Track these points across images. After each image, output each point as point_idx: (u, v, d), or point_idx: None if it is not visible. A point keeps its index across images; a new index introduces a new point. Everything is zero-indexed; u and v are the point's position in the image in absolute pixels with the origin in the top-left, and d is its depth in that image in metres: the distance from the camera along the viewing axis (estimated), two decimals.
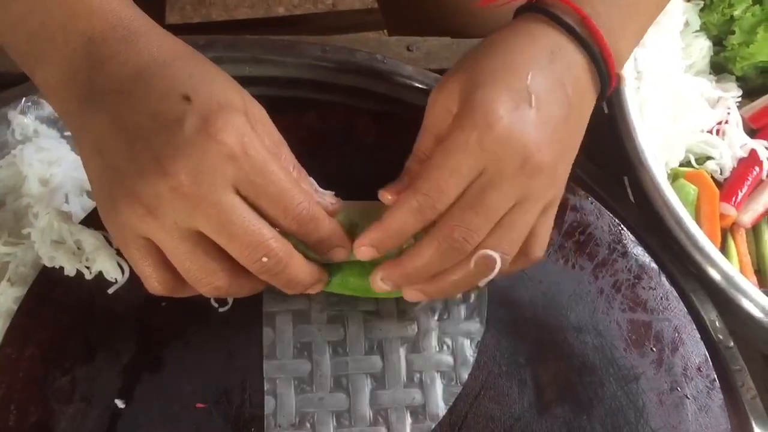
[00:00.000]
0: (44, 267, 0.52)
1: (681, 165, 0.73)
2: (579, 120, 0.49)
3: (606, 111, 0.74)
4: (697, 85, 0.75)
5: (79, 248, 0.52)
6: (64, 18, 0.43)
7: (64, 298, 0.51)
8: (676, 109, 0.74)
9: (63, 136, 0.61)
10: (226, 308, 0.52)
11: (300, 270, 0.45)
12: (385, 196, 0.47)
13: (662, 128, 0.72)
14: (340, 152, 0.61)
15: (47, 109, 0.61)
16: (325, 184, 0.52)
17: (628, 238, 0.61)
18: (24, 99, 0.59)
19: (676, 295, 0.59)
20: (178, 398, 0.50)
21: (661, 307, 0.58)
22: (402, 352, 0.53)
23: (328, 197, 0.48)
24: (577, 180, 0.64)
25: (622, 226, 0.61)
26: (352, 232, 0.48)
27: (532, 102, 0.45)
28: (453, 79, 0.47)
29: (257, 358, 0.52)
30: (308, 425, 0.50)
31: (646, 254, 0.60)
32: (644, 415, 0.54)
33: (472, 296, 0.56)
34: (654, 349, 0.56)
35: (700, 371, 0.56)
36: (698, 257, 0.61)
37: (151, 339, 0.51)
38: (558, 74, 0.46)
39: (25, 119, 0.59)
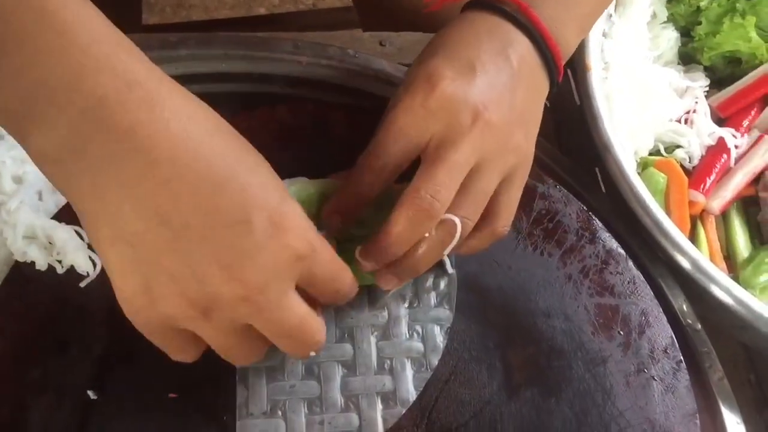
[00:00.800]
0: (16, 262, 0.52)
1: (650, 154, 0.74)
2: (529, 93, 0.49)
3: (578, 102, 0.75)
4: (665, 75, 0.77)
5: (50, 243, 0.52)
6: (68, 73, 0.35)
7: (36, 293, 0.52)
8: (644, 99, 0.75)
9: None
10: None
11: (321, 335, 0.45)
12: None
13: (630, 118, 0.74)
14: (312, 146, 0.62)
15: None
16: (298, 174, 0.54)
17: (597, 225, 0.62)
18: None
19: (644, 279, 0.60)
20: (150, 389, 0.50)
21: (628, 292, 0.59)
22: (373, 339, 0.54)
23: None
24: (547, 170, 0.65)
25: (590, 213, 0.62)
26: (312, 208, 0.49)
27: (476, 67, 0.47)
28: (407, 71, 0.50)
29: None
30: (280, 413, 0.51)
31: (614, 240, 0.61)
32: (611, 397, 0.55)
33: (442, 283, 0.56)
34: (621, 332, 0.57)
35: (667, 353, 0.57)
36: (666, 244, 0.62)
37: (123, 331, 0.51)
38: (501, 47, 0.48)
39: None
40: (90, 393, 0.49)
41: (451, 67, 0.46)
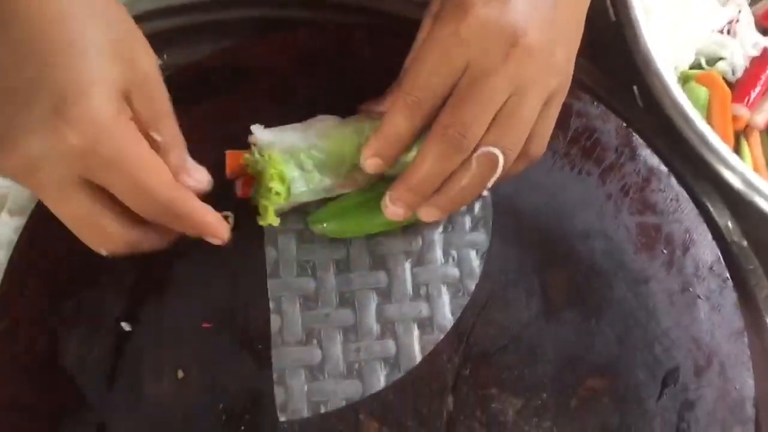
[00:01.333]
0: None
1: (691, 68, 0.71)
2: (571, 4, 0.46)
3: (613, 18, 0.72)
4: None
5: None
6: None
7: (63, 227, 0.51)
8: (684, 10, 0.71)
9: None
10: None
11: (202, 216, 0.43)
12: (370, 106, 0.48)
13: (670, 30, 0.70)
14: (336, 71, 0.59)
15: None
16: (321, 102, 0.52)
17: (637, 141, 0.59)
18: None
19: (687, 196, 0.58)
20: (184, 319, 0.50)
21: (671, 209, 0.57)
22: (407, 266, 0.53)
23: (199, 173, 0.45)
24: (582, 86, 0.62)
25: (629, 129, 0.59)
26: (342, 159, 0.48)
27: None
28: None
29: (261, 278, 0.51)
30: (315, 341, 0.50)
31: (655, 157, 0.59)
32: (655, 316, 0.53)
33: (476, 207, 0.55)
34: (665, 251, 0.55)
35: (712, 271, 0.55)
36: (712, 159, 0.59)
37: (153, 261, 0.51)
38: None
39: None
40: (123, 324, 0.49)
41: None
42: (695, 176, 0.60)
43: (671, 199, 0.57)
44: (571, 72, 0.48)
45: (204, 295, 0.50)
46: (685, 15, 0.71)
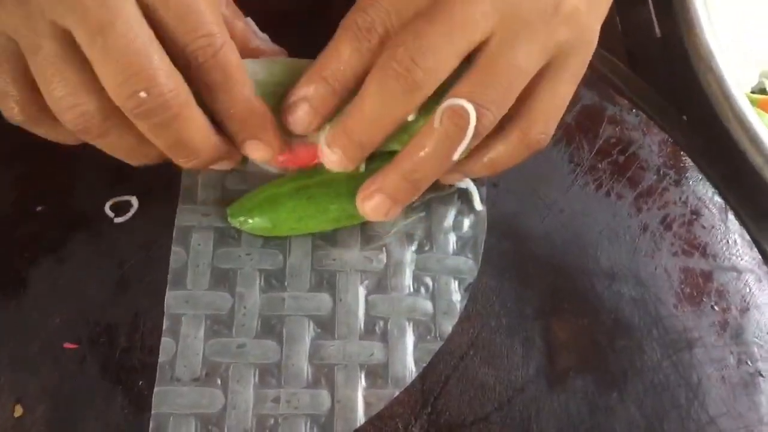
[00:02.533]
0: None
1: (753, 92, 0.58)
2: None
3: (658, 34, 0.60)
4: None
5: None
6: None
7: None
8: (747, 29, 0.59)
9: None
10: (124, 218, 0.38)
11: (196, 128, 0.31)
12: None
13: (731, 49, 0.57)
14: (310, 36, 0.46)
15: None
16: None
17: (687, 162, 0.45)
18: None
19: (749, 239, 0.43)
20: (40, 334, 0.35)
21: (727, 253, 0.42)
22: (361, 290, 0.38)
23: (268, 43, 0.36)
24: (618, 91, 0.48)
25: (677, 147, 0.45)
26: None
27: None
28: None
29: (160, 288, 0.37)
30: (218, 381, 0.35)
31: (709, 184, 0.44)
32: (699, 396, 0.38)
33: (466, 223, 0.41)
34: (716, 307, 0.41)
35: None
36: None
37: (13, 253, 0.37)
38: None
39: None
40: None
41: None
42: (761, 214, 0.45)
43: (727, 241, 0.43)
44: (595, 33, 0.35)
45: (75, 302, 0.36)
46: (748, 34, 0.59)
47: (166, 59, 0.29)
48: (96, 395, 0.34)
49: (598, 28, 0.35)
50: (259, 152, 0.34)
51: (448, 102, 0.31)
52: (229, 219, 0.38)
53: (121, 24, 0.27)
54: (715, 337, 0.40)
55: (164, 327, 0.36)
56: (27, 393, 0.34)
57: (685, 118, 0.54)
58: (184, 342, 0.36)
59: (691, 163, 0.45)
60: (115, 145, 0.32)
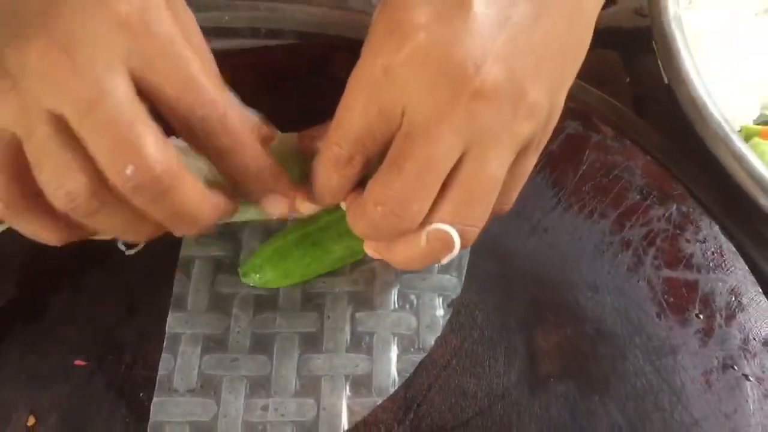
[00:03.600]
0: None
1: (756, 124, 0.59)
2: (562, 18, 0.33)
3: (666, 81, 0.62)
4: None
5: None
6: None
7: None
8: (748, 63, 0.60)
9: None
10: (134, 251, 0.42)
11: (190, 197, 0.31)
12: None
13: (731, 85, 0.59)
14: (309, 91, 0.51)
15: None
16: (292, 120, 0.42)
17: (669, 182, 0.47)
18: None
19: (734, 250, 0.44)
20: (53, 352, 0.39)
21: (712, 264, 0.43)
22: (348, 308, 0.41)
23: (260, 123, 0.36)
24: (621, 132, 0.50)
25: (663, 166, 0.47)
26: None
27: (470, 1, 0.31)
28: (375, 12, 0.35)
29: (164, 311, 0.41)
30: (212, 393, 0.38)
31: (695, 201, 0.46)
32: (683, 399, 0.38)
33: None
34: (700, 315, 0.41)
35: None
36: None
37: (35, 284, 0.41)
38: None
39: None
40: None
41: (428, 4, 0.31)
42: (749, 233, 0.46)
43: (713, 252, 0.44)
44: (558, 107, 0.35)
45: (86, 326, 0.40)
46: (748, 68, 0.60)
47: (156, 133, 0.29)
48: (102, 406, 0.38)
49: (562, 96, 0.35)
50: (278, 206, 0.35)
51: (434, 227, 0.32)
52: (242, 279, 0.41)
53: (110, 101, 0.28)
54: (699, 343, 0.40)
55: (164, 345, 0.39)
56: (40, 405, 0.38)
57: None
58: (182, 358, 0.39)
59: (675, 185, 0.46)
60: (107, 224, 0.32)
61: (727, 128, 0.48)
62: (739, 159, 0.46)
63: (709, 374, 0.39)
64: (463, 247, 0.33)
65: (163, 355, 0.39)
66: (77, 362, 0.39)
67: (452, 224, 0.32)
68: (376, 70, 0.31)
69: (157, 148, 0.29)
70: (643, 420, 0.38)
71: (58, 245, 0.33)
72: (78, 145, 0.29)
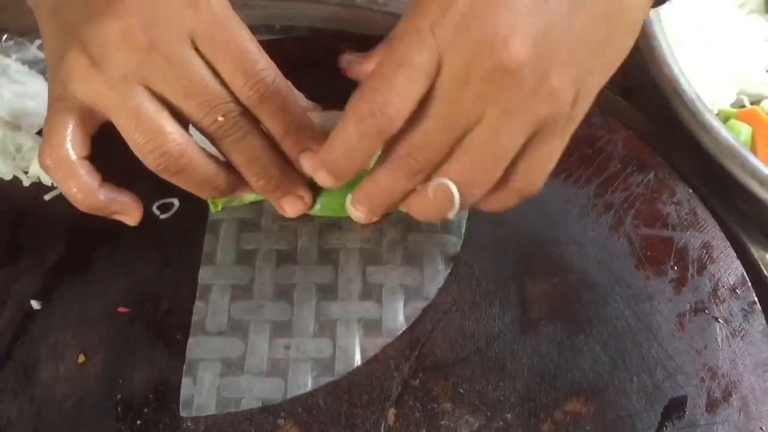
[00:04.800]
0: None
1: (733, 107, 0.64)
2: (602, 20, 0.35)
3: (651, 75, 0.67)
4: (751, 23, 0.66)
5: (18, 151, 0.48)
6: None
7: None
8: (724, 49, 0.65)
9: (46, 79, 0.60)
10: (168, 214, 0.47)
11: (264, 146, 0.39)
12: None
13: (709, 69, 0.64)
14: (323, 81, 0.56)
15: (30, 51, 0.59)
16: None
17: (647, 151, 0.51)
18: (5, 37, 0.58)
19: (706, 210, 0.49)
20: (99, 301, 0.44)
21: (686, 223, 0.48)
22: (359, 263, 0.46)
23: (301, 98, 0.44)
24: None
25: (641, 140, 0.52)
26: None
27: None
28: None
29: (195, 266, 0.46)
30: (239, 333, 0.43)
31: (669, 167, 0.51)
32: (659, 338, 0.43)
33: None
34: (675, 267, 0.46)
35: (736, 293, 0.45)
36: (733, 167, 0.50)
37: (82, 244, 0.46)
38: None
39: (5, 59, 0.58)
40: (33, 303, 0.44)
41: None
42: (720, 196, 0.51)
43: (687, 213, 0.49)
44: (582, 103, 0.37)
45: (128, 278, 0.45)
46: (724, 53, 0.65)
47: (229, 90, 0.38)
48: (142, 345, 0.43)
49: (589, 95, 0.37)
50: (310, 163, 0.40)
51: (439, 181, 0.37)
52: None
53: (192, 71, 0.37)
54: (673, 291, 0.45)
55: (197, 294, 0.44)
56: (88, 344, 0.43)
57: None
58: (213, 305, 0.44)
59: (653, 152, 0.51)
60: (189, 180, 0.39)
61: (700, 105, 0.53)
62: (711, 131, 0.51)
63: (683, 317, 0.44)
64: (462, 206, 0.38)
65: (197, 303, 0.44)
66: (120, 309, 0.44)
67: (456, 183, 0.36)
68: (422, 27, 0.34)
69: (235, 99, 0.38)
70: (623, 356, 0.43)
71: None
72: (163, 112, 0.37)
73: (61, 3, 0.38)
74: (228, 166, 0.40)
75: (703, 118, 0.52)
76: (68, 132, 0.38)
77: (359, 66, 0.48)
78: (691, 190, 0.49)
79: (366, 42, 0.56)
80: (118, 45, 0.35)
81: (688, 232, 0.48)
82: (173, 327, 0.43)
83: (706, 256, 0.47)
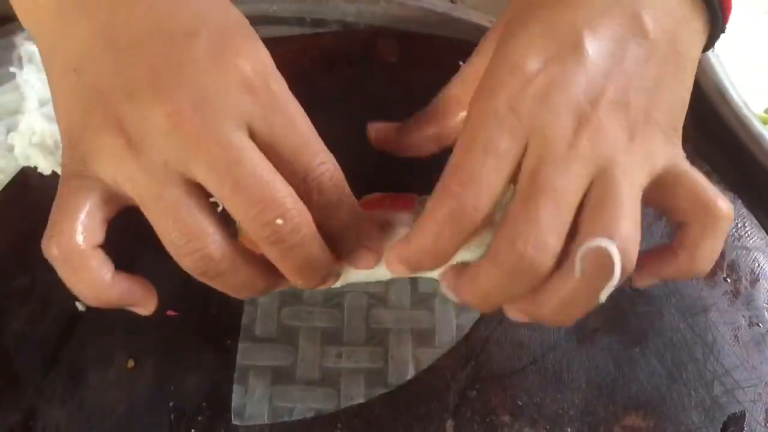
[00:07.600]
0: (22, 169, 0.48)
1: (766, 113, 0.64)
2: (670, 66, 0.34)
3: None
4: None
5: (58, 148, 0.47)
6: None
7: (37, 202, 0.46)
8: (756, 55, 0.65)
9: None
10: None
11: (319, 249, 0.33)
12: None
13: (745, 74, 0.64)
14: (359, 74, 0.55)
15: None
16: (341, 103, 0.47)
17: (696, 163, 0.51)
18: None
19: (756, 222, 0.48)
20: None
21: (737, 235, 0.48)
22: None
23: None
24: None
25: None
26: None
27: (582, 41, 0.32)
28: (499, 21, 0.37)
29: None
30: (290, 340, 0.42)
31: (719, 180, 0.50)
32: (714, 352, 0.43)
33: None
34: (728, 279, 0.46)
35: None
36: None
37: (127, 244, 0.45)
38: (628, 1, 0.33)
39: (32, 46, 0.57)
40: (78, 304, 0.43)
41: (544, 47, 0.32)
42: (757, 198, 0.50)
43: (737, 224, 0.48)
44: (676, 142, 0.35)
45: (176, 281, 0.44)
46: (758, 62, 0.65)
47: (288, 186, 0.31)
48: (191, 350, 0.42)
49: (674, 134, 0.35)
50: (366, 260, 0.35)
51: (589, 245, 0.30)
52: None
53: (247, 161, 0.30)
54: (727, 303, 0.45)
55: (246, 299, 0.43)
56: (138, 350, 0.42)
57: None
58: (263, 309, 0.43)
59: (700, 165, 0.51)
60: (228, 284, 0.33)
61: (748, 113, 0.52)
62: (758, 139, 0.51)
63: (737, 330, 0.44)
64: (625, 269, 0.31)
65: (246, 307, 0.43)
66: (169, 313, 0.43)
67: (607, 239, 0.30)
68: (500, 106, 0.31)
69: (294, 201, 0.31)
70: (680, 369, 0.42)
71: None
72: (205, 210, 0.31)
73: (86, 63, 0.32)
74: (269, 264, 0.33)
75: (752, 126, 0.52)
76: (82, 216, 0.32)
77: (389, 136, 0.42)
78: (740, 201, 0.49)
79: (404, 39, 0.55)
80: (164, 129, 0.30)
81: (739, 243, 0.47)
82: (223, 332, 0.42)
83: (759, 269, 0.46)
